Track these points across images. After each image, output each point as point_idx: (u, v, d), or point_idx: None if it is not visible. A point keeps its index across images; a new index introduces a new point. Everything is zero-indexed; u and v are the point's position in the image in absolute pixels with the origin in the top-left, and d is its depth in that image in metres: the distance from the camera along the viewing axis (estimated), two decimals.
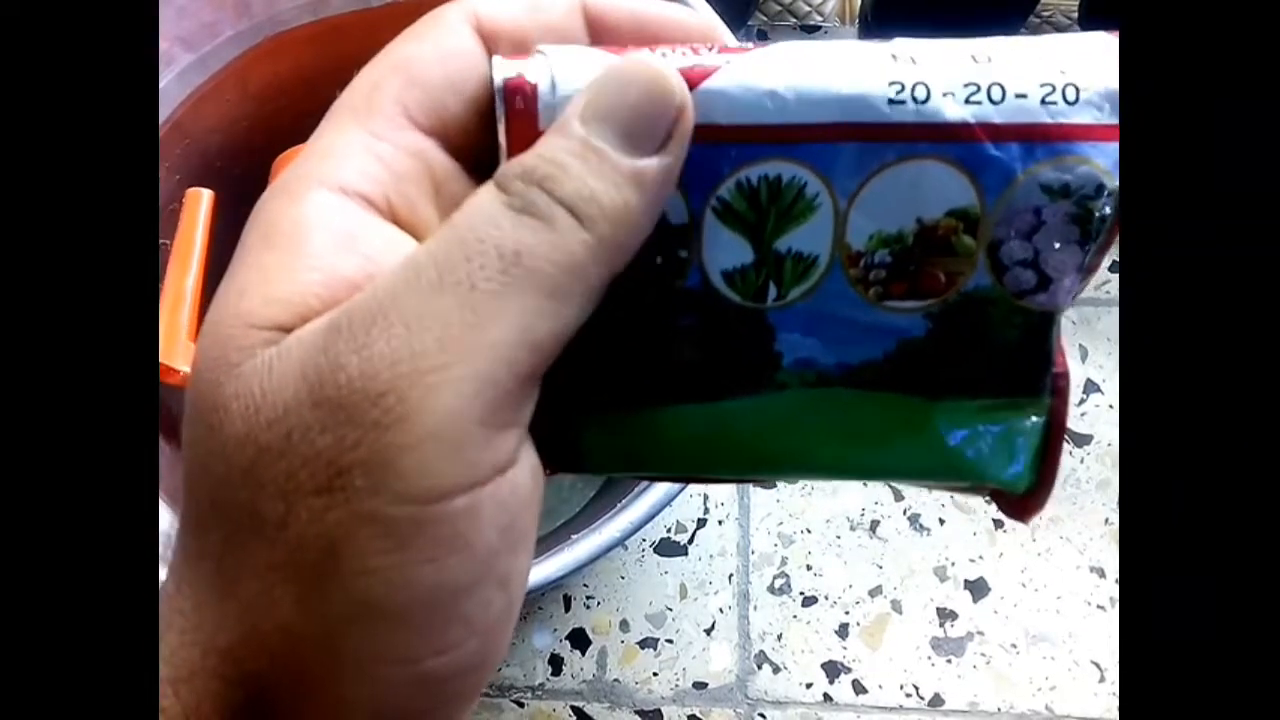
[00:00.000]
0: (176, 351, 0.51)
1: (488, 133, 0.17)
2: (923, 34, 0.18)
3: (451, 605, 0.16)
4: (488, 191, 0.16)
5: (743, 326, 0.19)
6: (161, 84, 0.56)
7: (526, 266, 0.15)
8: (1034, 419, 0.19)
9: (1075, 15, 0.91)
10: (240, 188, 0.56)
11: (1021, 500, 0.20)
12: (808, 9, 0.93)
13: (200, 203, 0.55)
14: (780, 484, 0.75)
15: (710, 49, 0.18)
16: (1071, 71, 0.18)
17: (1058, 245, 0.18)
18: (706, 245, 0.18)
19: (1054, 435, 0.20)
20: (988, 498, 0.21)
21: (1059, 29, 0.91)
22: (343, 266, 0.16)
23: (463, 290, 0.15)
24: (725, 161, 0.18)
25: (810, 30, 0.91)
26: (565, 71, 0.17)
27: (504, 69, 0.17)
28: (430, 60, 0.17)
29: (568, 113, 0.17)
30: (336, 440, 0.15)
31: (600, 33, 0.18)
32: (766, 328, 0.19)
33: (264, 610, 0.15)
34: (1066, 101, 0.18)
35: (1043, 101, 0.18)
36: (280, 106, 0.61)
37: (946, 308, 0.19)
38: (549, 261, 0.15)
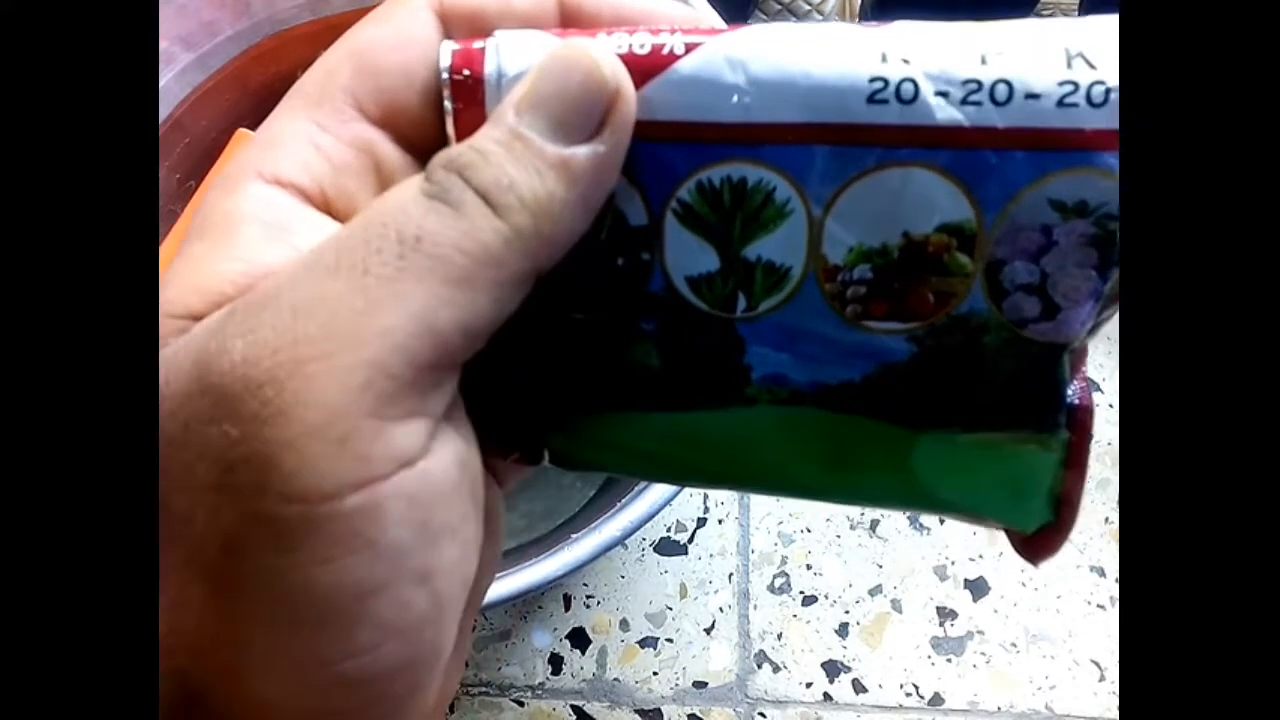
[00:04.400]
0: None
1: (440, 121, 0.17)
2: None
3: (359, 606, 0.15)
4: (412, 179, 0.16)
5: (710, 336, 0.18)
6: (161, 83, 0.56)
7: (427, 253, 0.15)
8: (1045, 456, 0.18)
9: (1075, 13, 0.91)
10: None
11: (1033, 540, 0.19)
12: (808, 8, 0.93)
13: (242, 146, 0.55)
14: None
15: (674, 33, 0.16)
16: (1103, 66, 0.16)
17: (1069, 270, 0.16)
18: (669, 249, 0.17)
19: (1073, 474, 0.18)
20: (993, 529, 0.19)
21: None
22: (268, 257, 0.16)
23: (356, 275, 0.14)
24: (684, 161, 0.16)
25: None
26: (513, 58, 0.16)
27: (451, 56, 0.16)
28: (386, 47, 0.17)
29: (504, 103, 0.16)
30: (221, 434, 0.14)
31: (575, 24, 0.17)
32: (735, 339, 0.18)
33: (182, 608, 0.15)
34: (1091, 104, 0.16)
35: (1060, 103, 0.16)
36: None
37: (934, 332, 0.17)
38: (455, 249, 0.15)
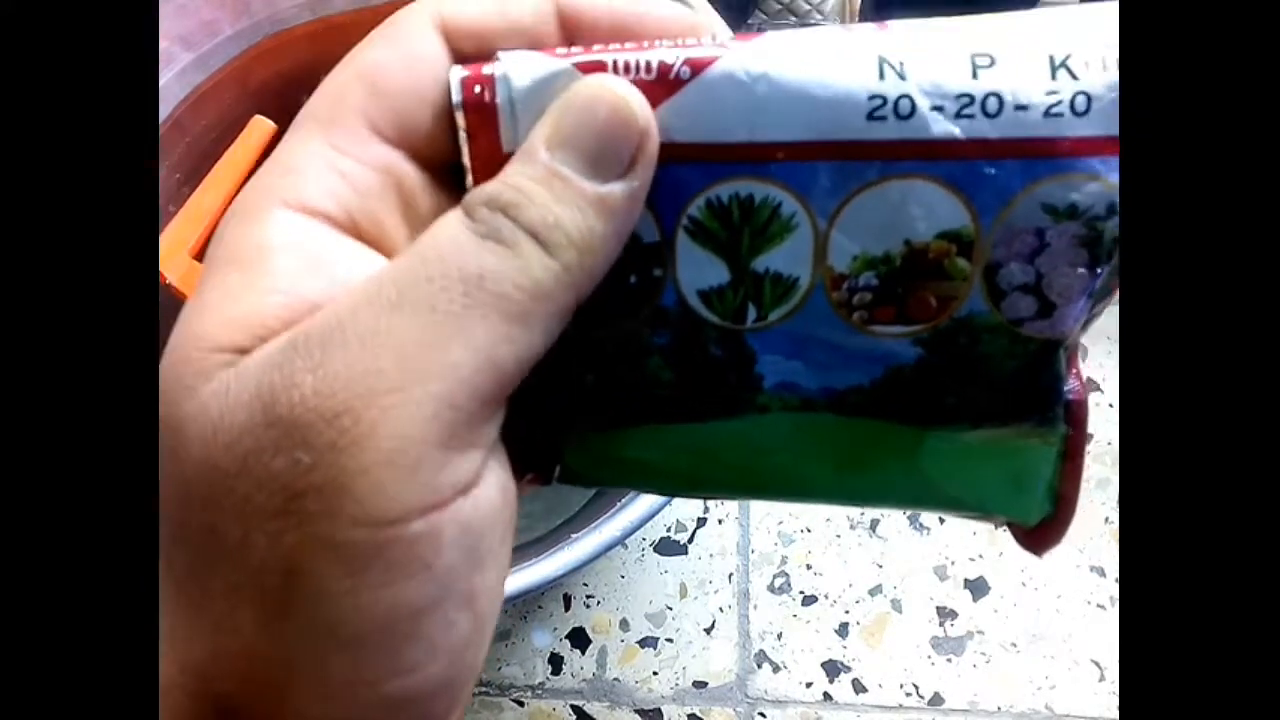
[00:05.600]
0: (173, 262, 0.53)
1: (455, 140, 0.17)
2: None
3: (411, 627, 0.15)
4: (454, 216, 0.16)
5: (721, 347, 0.18)
6: (161, 82, 0.56)
7: (490, 291, 0.15)
8: (1045, 450, 0.18)
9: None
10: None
11: (1035, 533, 0.19)
12: (808, 7, 0.93)
13: (256, 132, 0.55)
14: None
15: (676, 47, 0.17)
16: (1085, 76, 0.16)
17: (1063, 269, 0.17)
18: (681, 264, 0.18)
19: (1070, 467, 0.18)
20: (998, 526, 0.20)
21: None
22: (307, 289, 0.16)
23: (423, 311, 0.15)
24: (694, 180, 0.17)
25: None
26: (522, 82, 0.17)
27: (462, 85, 0.17)
28: (395, 68, 0.17)
29: (533, 139, 0.16)
30: (291, 463, 0.14)
31: (575, 32, 0.18)
32: (746, 349, 0.18)
33: (229, 631, 0.15)
34: (1075, 113, 0.16)
35: (1047, 113, 0.16)
36: (280, 105, 0.61)
37: (938, 334, 0.18)
38: (514, 286, 0.15)
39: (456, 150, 0.17)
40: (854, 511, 0.75)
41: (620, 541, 0.49)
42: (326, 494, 0.14)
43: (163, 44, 0.56)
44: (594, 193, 0.16)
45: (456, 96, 0.17)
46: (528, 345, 0.16)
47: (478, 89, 0.17)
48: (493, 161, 0.17)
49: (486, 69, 0.17)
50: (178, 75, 0.57)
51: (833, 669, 0.71)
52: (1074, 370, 0.18)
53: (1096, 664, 0.71)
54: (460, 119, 0.17)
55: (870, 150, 0.17)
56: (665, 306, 0.18)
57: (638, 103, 0.16)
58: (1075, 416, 0.18)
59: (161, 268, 0.52)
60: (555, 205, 0.16)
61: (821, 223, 0.17)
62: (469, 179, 0.17)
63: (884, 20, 0.17)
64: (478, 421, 0.16)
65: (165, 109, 0.57)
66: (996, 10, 0.17)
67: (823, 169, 0.17)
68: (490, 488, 0.16)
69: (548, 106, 0.17)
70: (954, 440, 0.18)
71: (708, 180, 0.17)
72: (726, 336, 0.18)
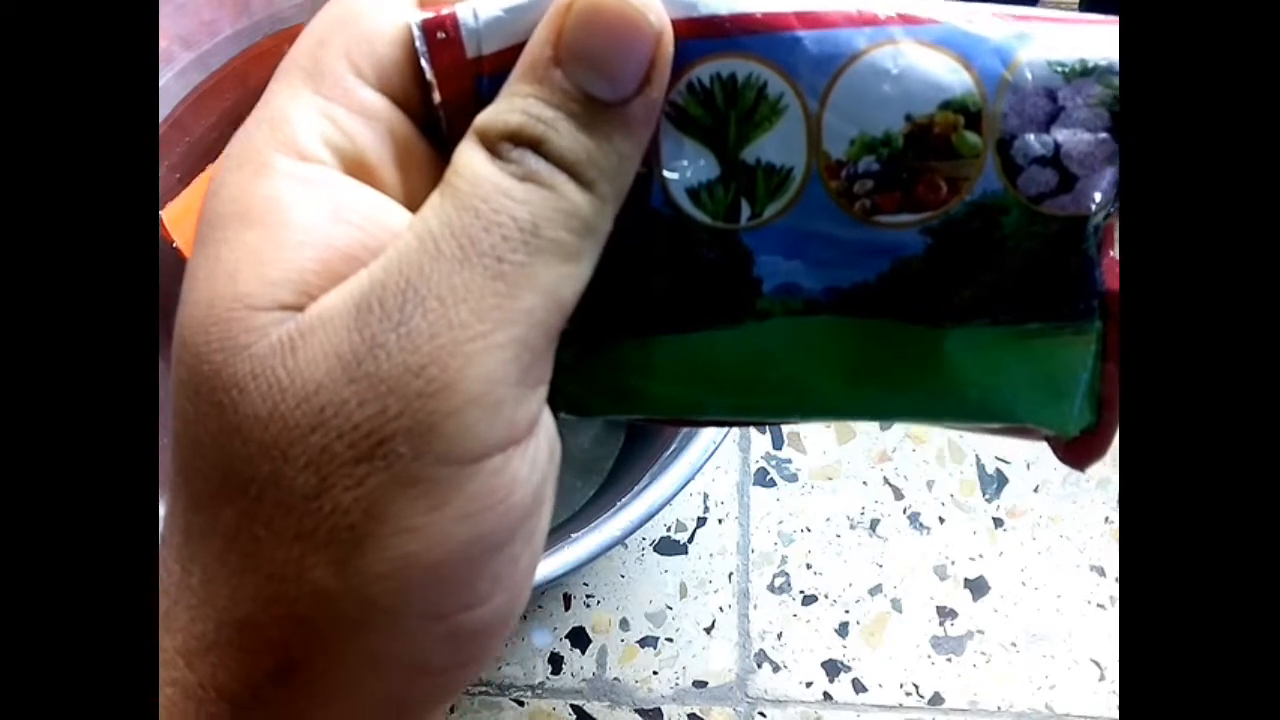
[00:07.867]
0: (183, 226, 0.53)
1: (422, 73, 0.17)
2: None
3: (484, 560, 0.16)
4: (478, 155, 0.16)
5: (715, 249, 0.17)
6: (161, 82, 0.56)
7: (546, 237, 0.16)
8: (1081, 348, 0.17)
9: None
10: None
11: (1076, 445, 0.18)
12: None
13: None
14: (780, 477, 0.75)
15: None
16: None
17: (1082, 135, 0.16)
18: (666, 158, 0.17)
19: (1113, 369, 0.17)
20: (1035, 439, 0.18)
21: None
22: (334, 238, 0.16)
23: (490, 262, 0.15)
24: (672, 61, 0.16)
25: None
26: (488, 4, 0.16)
27: (422, 13, 0.16)
28: (373, 16, 0.17)
29: (536, 49, 0.16)
30: (378, 412, 0.15)
31: None
32: (742, 250, 0.17)
33: (293, 577, 0.15)
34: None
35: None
36: None
37: (949, 221, 0.16)
38: (564, 229, 0.16)
39: (426, 84, 0.17)
40: (854, 511, 0.74)
41: (620, 541, 0.49)
42: (415, 436, 0.15)
43: (163, 44, 0.56)
44: (618, 114, 0.16)
45: (417, 21, 0.16)
46: (583, 277, 0.16)
47: (436, 12, 0.16)
48: (459, 72, 0.16)
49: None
50: (178, 75, 0.57)
51: (833, 668, 0.71)
52: (1109, 258, 0.17)
53: (1096, 664, 0.71)
54: (420, 40, 0.16)
55: (856, 17, 0.16)
56: (653, 207, 0.17)
57: (652, 10, 0.16)
58: (1115, 310, 0.17)
59: (171, 231, 0.52)
60: (582, 135, 0.16)
61: (812, 103, 0.16)
62: (435, 94, 0.16)
63: None
64: (545, 359, 0.16)
65: (165, 109, 0.57)
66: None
67: (807, 40, 0.16)
68: (548, 427, 0.17)
69: (516, 14, 0.16)
70: (975, 339, 0.17)
71: (687, 59, 0.16)
72: (719, 237, 0.17)
